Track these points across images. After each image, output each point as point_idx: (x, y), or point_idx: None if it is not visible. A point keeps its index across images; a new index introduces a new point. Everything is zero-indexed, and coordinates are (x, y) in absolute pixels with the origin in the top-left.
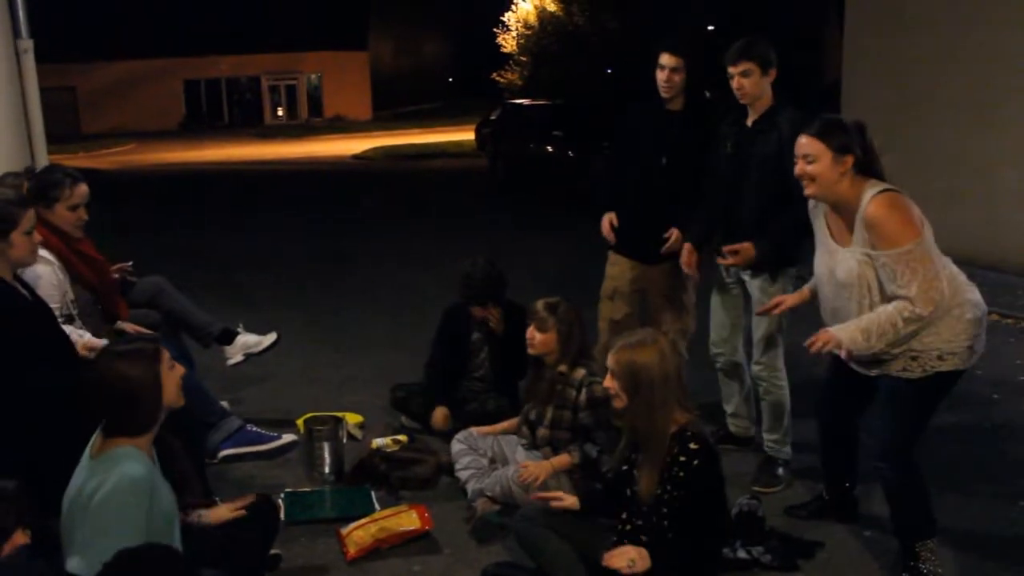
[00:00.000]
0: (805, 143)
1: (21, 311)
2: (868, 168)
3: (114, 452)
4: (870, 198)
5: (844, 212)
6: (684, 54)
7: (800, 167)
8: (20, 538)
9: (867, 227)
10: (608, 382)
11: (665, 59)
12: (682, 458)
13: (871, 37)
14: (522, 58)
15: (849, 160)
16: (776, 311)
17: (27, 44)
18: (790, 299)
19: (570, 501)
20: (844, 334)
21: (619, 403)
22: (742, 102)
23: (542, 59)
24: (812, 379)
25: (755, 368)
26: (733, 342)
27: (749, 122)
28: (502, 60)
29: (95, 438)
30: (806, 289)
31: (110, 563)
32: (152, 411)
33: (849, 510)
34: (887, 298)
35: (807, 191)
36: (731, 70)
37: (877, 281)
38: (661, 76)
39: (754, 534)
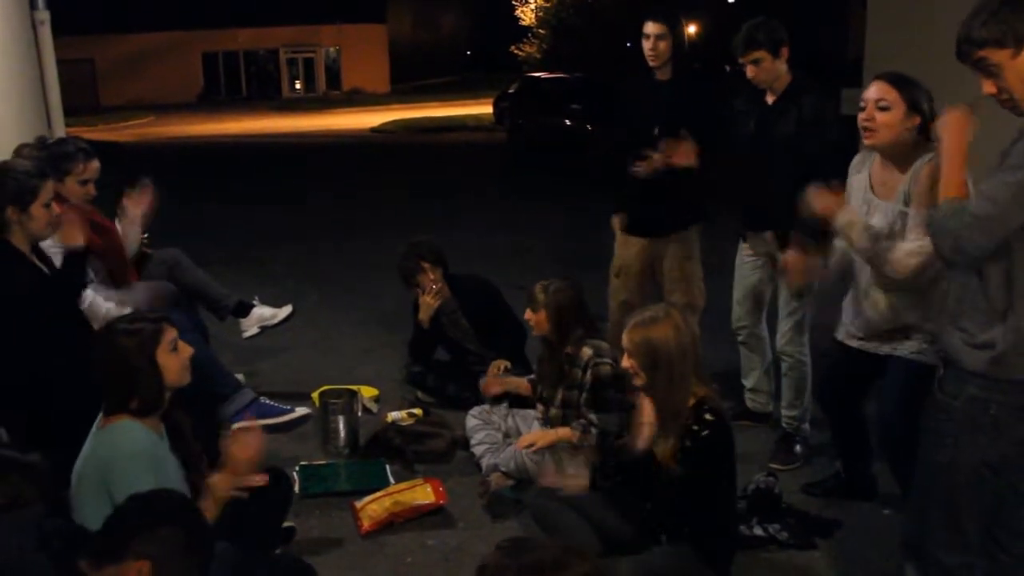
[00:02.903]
0: (880, 90)
1: (40, 285)
2: (929, 133)
3: (114, 426)
4: (928, 159)
5: (899, 166)
6: (667, 21)
7: (868, 113)
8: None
9: (915, 183)
10: (626, 362)
11: (649, 27)
12: (694, 428)
13: (894, 12)
14: (541, 31)
15: (917, 119)
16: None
17: (44, 15)
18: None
19: (580, 483)
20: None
21: (639, 381)
22: (760, 88)
23: (561, 32)
24: (822, 358)
25: (780, 342)
26: (756, 315)
27: (769, 100)
28: (521, 33)
29: (100, 416)
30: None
31: (122, 507)
32: (152, 394)
33: (867, 488)
34: None
35: (868, 139)
36: (741, 60)
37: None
38: (647, 45)
39: (771, 511)
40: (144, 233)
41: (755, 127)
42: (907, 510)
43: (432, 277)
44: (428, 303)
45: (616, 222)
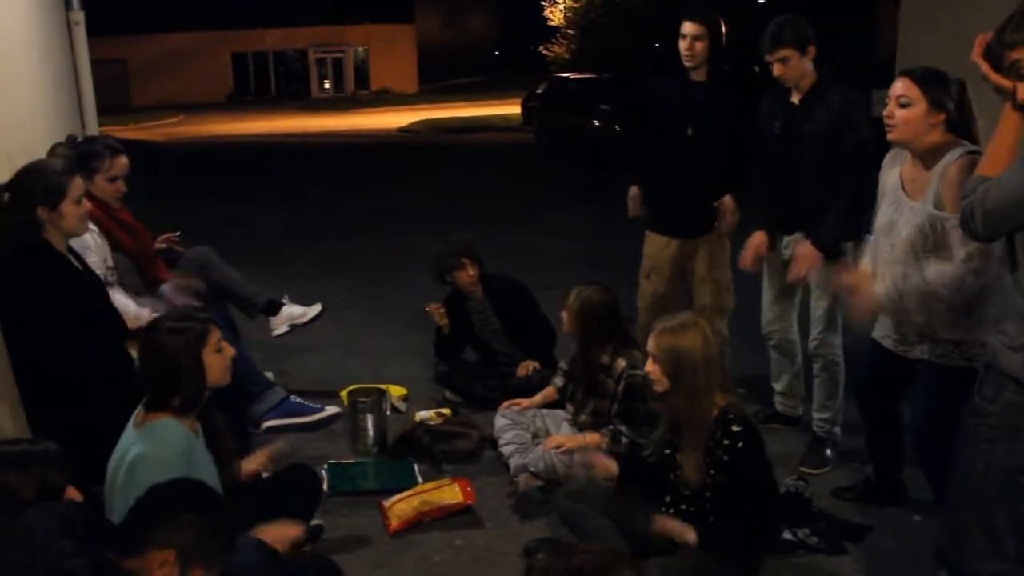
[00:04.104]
0: (903, 86)
1: (75, 282)
2: (961, 128)
3: (155, 423)
4: (956, 157)
5: (926, 164)
6: (705, 22)
7: (890, 109)
8: (73, 493)
9: (945, 185)
10: (649, 366)
11: (687, 27)
12: (726, 441)
13: (926, 12)
14: (569, 31)
15: (942, 116)
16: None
17: (79, 16)
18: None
19: (610, 466)
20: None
21: (660, 387)
22: (786, 86)
23: (589, 32)
24: (858, 363)
25: (812, 344)
26: (787, 319)
27: (795, 100)
28: (549, 33)
29: (139, 409)
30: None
31: (144, 497)
32: (194, 392)
33: (897, 494)
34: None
35: (890, 135)
36: (768, 59)
37: (934, 248)
38: (683, 45)
39: (801, 516)
40: (176, 233)
41: (781, 128)
42: (941, 517)
43: (471, 274)
44: (438, 313)
45: (632, 193)
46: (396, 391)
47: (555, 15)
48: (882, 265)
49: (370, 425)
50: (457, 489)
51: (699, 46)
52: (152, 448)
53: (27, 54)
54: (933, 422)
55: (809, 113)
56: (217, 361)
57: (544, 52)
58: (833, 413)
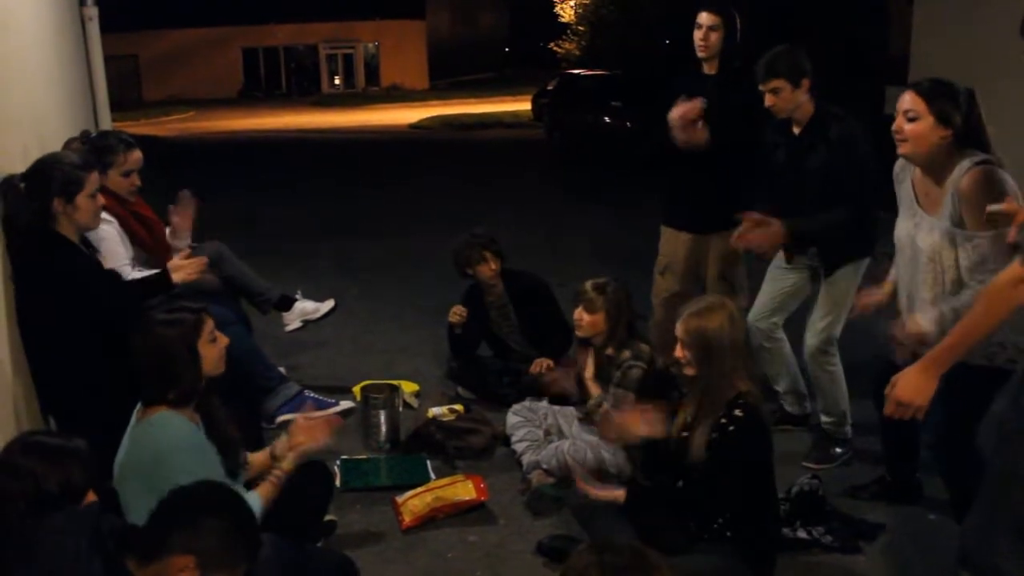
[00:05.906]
0: (910, 100)
1: (89, 274)
2: (970, 139)
3: (155, 418)
4: (966, 169)
5: (936, 178)
6: (721, 13)
7: (899, 123)
8: (90, 496)
9: (962, 201)
10: (678, 352)
11: (703, 18)
12: (723, 420)
13: (941, 6)
14: (580, 28)
15: (949, 132)
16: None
17: (92, 12)
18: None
19: (616, 494)
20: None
21: (689, 371)
22: (779, 117)
23: (600, 29)
24: (873, 359)
25: (807, 354)
26: (773, 318)
27: (796, 131)
28: (559, 30)
29: (138, 407)
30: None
31: (165, 500)
32: (188, 383)
33: (912, 492)
34: (958, 281)
35: (900, 149)
36: (761, 88)
37: (954, 261)
38: (698, 35)
39: (815, 514)
40: (191, 242)
41: (785, 157)
42: (969, 518)
43: (492, 268)
44: (457, 313)
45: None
46: (408, 387)
47: (566, 11)
48: (903, 286)
49: (383, 421)
50: (470, 485)
51: (713, 36)
52: (160, 445)
53: (42, 49)
54: (952, 420)
55: (811, 148)
56: (211, 351)
57: (555, 49)
58: (838, 416)
